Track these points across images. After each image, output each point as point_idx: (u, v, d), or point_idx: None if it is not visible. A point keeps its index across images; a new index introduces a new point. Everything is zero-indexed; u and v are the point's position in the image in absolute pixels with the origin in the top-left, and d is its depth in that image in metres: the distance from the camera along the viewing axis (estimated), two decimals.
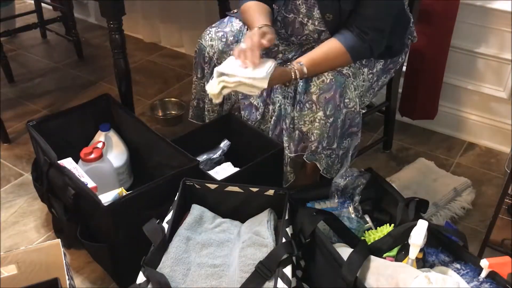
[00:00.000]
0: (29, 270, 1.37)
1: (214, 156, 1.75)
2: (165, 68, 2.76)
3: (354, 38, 1.49)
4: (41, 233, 1.76)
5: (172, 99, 2.41)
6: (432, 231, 1.28)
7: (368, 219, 1.49)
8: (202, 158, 1.72)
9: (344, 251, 1.27)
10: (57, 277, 1.25)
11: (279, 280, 1.12)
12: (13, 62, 2.67)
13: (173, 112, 2.39)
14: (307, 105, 1.50)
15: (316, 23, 1.55)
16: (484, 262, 1.18)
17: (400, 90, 2.10)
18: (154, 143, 1.68)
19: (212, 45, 1.69)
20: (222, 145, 1.78)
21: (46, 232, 1.76)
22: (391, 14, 1.50)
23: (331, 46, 1.50)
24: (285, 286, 1.12)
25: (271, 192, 1.36)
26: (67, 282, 1.27)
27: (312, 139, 1.51)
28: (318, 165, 1.57)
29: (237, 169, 1.68)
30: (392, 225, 1.42)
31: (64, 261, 1.32)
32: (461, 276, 1.23)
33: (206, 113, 1.83)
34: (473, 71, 2.07)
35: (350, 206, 1.49)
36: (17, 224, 1.79)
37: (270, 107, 1.66)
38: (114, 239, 1.42)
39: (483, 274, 1.20)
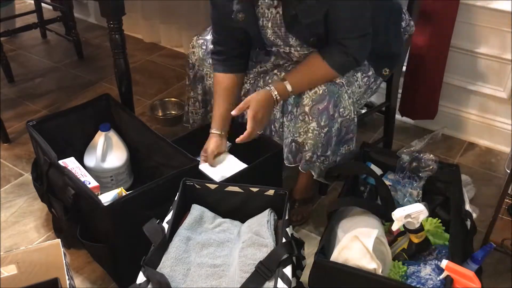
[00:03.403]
0: (29, 270, 1.37)
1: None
2: (165, 68, 2.76)
3: (337, 53, 1.47)
4: (41, 233, 1.76)
5: (172, 99, 2.41)
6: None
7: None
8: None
9: (360, 220, 1.33)
10: (57, 277, 1.25)
11: (279, 280, 1.12)
12: (13, 62, 2.66)
13: (173, 112, 2.38)
14: (300, 117, 1.50)
15: (299, 49, 1.53)
16: (443, 263, 1.18)
17: (400, 90, 2.10)
18: (154, 143, 1.68)
19: (193, 52, 1.73)
20: None
21: (46, 232, 1.76)
22: (363, 15, 1.45)
23: (317, 65, 1.49)
24: (285, 286, 1.12)
25: (271, 192, 1.36)
26: (67, 282, 1.26)
27: (306, 149, 1.53)
28: (313, 173, 1.58)
29: (236, 159, 1.69)
30: (438, 220, 1.43)
31: (64, 261, 1.32)
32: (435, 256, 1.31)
33: (190, 114, 1.86)
34: (473, 71, 2.07)
35: (413, 188, 1.50)
36: (17, 224, 1.79)
37: (272, 125, 1.68)
38: (114, 239, 1.42)
39: (442, 275, 1.20)
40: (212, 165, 1.63)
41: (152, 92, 2.54)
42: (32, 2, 2.91)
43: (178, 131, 2.21)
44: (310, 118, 1.48)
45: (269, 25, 1.49)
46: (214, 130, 1.66)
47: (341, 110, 1.49)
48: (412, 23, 1.72)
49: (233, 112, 1.51)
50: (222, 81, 1.64)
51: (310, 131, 1.49)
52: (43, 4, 2.88)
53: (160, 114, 2.37)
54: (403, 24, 1.68)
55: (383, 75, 1.64)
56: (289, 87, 1.49)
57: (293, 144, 1.56)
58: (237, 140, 1.53)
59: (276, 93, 1.49)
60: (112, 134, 1.80)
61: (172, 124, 2.31)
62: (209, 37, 1.72)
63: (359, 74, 1.57)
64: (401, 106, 2.19)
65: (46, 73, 2.69)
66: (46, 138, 1.61)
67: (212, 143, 1.65)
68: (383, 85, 1.95)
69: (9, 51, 2.83)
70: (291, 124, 1.54)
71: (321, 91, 1.47)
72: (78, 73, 2.70)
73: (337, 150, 1.58)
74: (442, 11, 1.91)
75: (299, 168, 1.58)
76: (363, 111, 2.14)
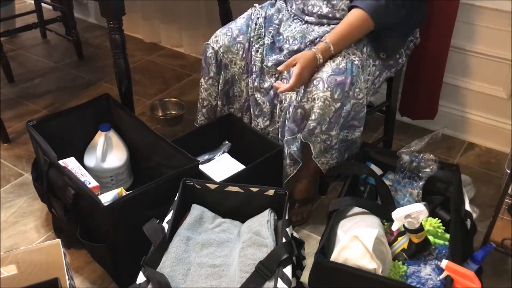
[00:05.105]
0: (29, 270, 1.37)
1: (215, 157, 1.75)
2: (165, 68, 2.76)
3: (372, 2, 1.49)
4: (41, 233, 1.76)
5: (172, 99, 2.41)
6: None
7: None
8: (202, 158, 1.72)
9: (360, 220, 1.32)
10: (57, 277, 1.25)
11: (279, 280, 1.12)
12: (13, 62, 2.67)
13: (173, 112, 2.38)
14: (314, 81, 1.49)
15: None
16: (443, 263, 1.18)
17: (400, 90, 2.10)
18: (154, 143, 1.68)
19: (217, 41, 1.70)
20: (223, 146, 1.79)
21: (46, 232, 1.76)
22: (399, 5, 1.50)
23: (354, 14, 1.51)
24: (285, 286, 1.12)
25: (271, 192, 1.36)
26: (67, 282, 1.27)
27: (313, 118, 1.50)
28: (312, 148, 1.56)
29: (235, 160, 1.68)
30: (438, 220, 1.42)
31: (64, 261, 1.32)
32: (435, 256, 1.31)
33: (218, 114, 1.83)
34: (473, 71, 2.07)
35: (413, 188, 1.50)
36: (17, 224, 1.79)
37: (278, 106, 1.66)
38: (114, 239, 1.42)
39: (442, 275, 1.20)
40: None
41: (152, 92, 2.54)
42: (32, 2, 2.90)
43: (178, 131, 2.22)
44: (326, 86, 1.47)
45: None
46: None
47: (356, 90, 1.50)
48: (418, 35, 1.76)
49: (280, 68, 1.53)
50: None
51: (322, 100, 1.47)
52: (43, 4, 2.88)
53: (160, 114, 2.37)
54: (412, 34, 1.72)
55: (380, 57, 1.64)
56: (330, 46, 1.50)
57: (299, 110, 1.53)
58: (279, 90, 1.52)
59: (319, 54, 1.50)
60: (112, 134, 1.80)
61: (172, 124, 2.31)
62: (232, 25, 1.71)
63: (370, 60, 1.59)
64: (401, 106, 2.19)
65: (46, 73, 2.69)
66: (46, 138, 1.61)
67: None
68: (384, 85, 1.96)
69: (9, 51, 2.83)
70: (299, 91, 1.53)
71: (341, 65, 1.48)
72: (78, 73, 2.70)
73: (339, 133, 1.57)
74: (442, 11, 1.91)
75: (300, 136, 1.55)
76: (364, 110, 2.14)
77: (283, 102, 1.63)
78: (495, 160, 2.11)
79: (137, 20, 2.95)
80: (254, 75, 1.69)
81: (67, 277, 1.28)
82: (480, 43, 2.00)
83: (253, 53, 1.69)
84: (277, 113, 1.67)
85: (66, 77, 2.66)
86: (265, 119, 1.71)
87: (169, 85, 2.60)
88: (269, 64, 1.64)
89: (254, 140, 1.70)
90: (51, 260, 1.37)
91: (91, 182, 1.57)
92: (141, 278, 1.15)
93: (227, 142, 1.80)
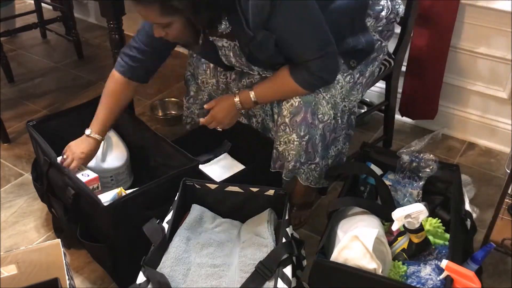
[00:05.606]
0: (29, 270, 1.37)
1: (215, 157, 1.75)
2: (165, 68, 2.74)
3: (303, 71, 1.43)
4: (41, 233, 1.76)
5: (172, 99, 2.41)
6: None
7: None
8: (202, 158, 1.72)
9: (360, 219, 1.33)
10: (57, 277, 1.25)
11: (279, 280, 1.12)
12: (13, 62, 2.67)
13: (173, 112, 2.38)
14: (281, 126, 1.50)
15: (266, 72, 1.55)
16: (443, 263, 1.18)
17: (400, 90, 2.10)
18: (154, 143, 1.68)
19: (189, 63, 1.81)
20: (223, 146, 1.79)
21: (46, 232, 1.76)
22: (316, 36, 1.39)
23: (284, 79, 1.45)
24: (285, 286, 1.12)
25: (271, 192, 1.36)
26: (67, 282, 1.27)
27: (289, 159, 1.53)
28: (299, 179, 1.57)
29: (235, 160, 1.68)
30: (438, 220, 1.42)
31: (64, 261, 1.32)
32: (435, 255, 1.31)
33: (184, 118, 1.86)
34: (473, 71, 2.07)
35: (413, 188, 1.50)
36: (17, 224, 1.79)
37: (254, 119, 1.70)
38: (114, 239, 1.42)
39: (442, 275, 1.20)
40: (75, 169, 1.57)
41: (152, 92, 2.54)
42: (32, 2, 2.91)
43: (178, 131, 2.21)
44: (291, 129, 1.48)
45: (231, 54, 1.50)
46: (93, 134, 1.59)
47: (319, 116, 1.48)
48: (401, 7, 1.65)
49: (205, 106, 1.56)
50: (117, 82, 1.61)
51: (291, 142, 1.49)
52: (43, 4, 2.88)
53: (160, 114, 2.37)
54: (384, 13, 1.58)
55: (351, 66, 1.57)
56: (253, 97, 1.50)
57: (274, 151, 1.56)
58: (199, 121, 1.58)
59: (238, 100, 1.51)
60: (112, 134, 1.80)
61: (172, 124, 2.31)
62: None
63: (339, 76, 1.52)
64: (401, 106, 2.19)
65: (46, 73, 2.69)
66: (46, 138, 1.61)
67: (86, 146, 1.58)
68: (383, 85, 1.96)
69: (9, 51, 2.83)
70: (274, 133, 1.56)
71: (296, 103, 1.45)
72: (78, 73, 2.70)
73: (326, 154, 1.57)
74: (442, 11, 1.91)
75: (282, 176, 1.58)
76: (363, 110, 2.14)
77: (257, 117, 1.69)
78: (495, 160, 2.11)
79: (137, 20, 2.94)
80: (220, 92, 1.72)
81: (67, 277, 1.28)
82: (480, 43, 2.00)
83: (218, 73, 1.70)
84: (254, 125, 1.72)
85: (66, 77, 2.66)
86: None
87: (169, 85, 2.60)
88: (239, 85, 1.66)
89: (254, 140, 1.70)
90: (51, 260, 1.37)
91: (89, 175, 1.57)
92: (141, 278, 1.15)
93: (227, 142, 1.80)
